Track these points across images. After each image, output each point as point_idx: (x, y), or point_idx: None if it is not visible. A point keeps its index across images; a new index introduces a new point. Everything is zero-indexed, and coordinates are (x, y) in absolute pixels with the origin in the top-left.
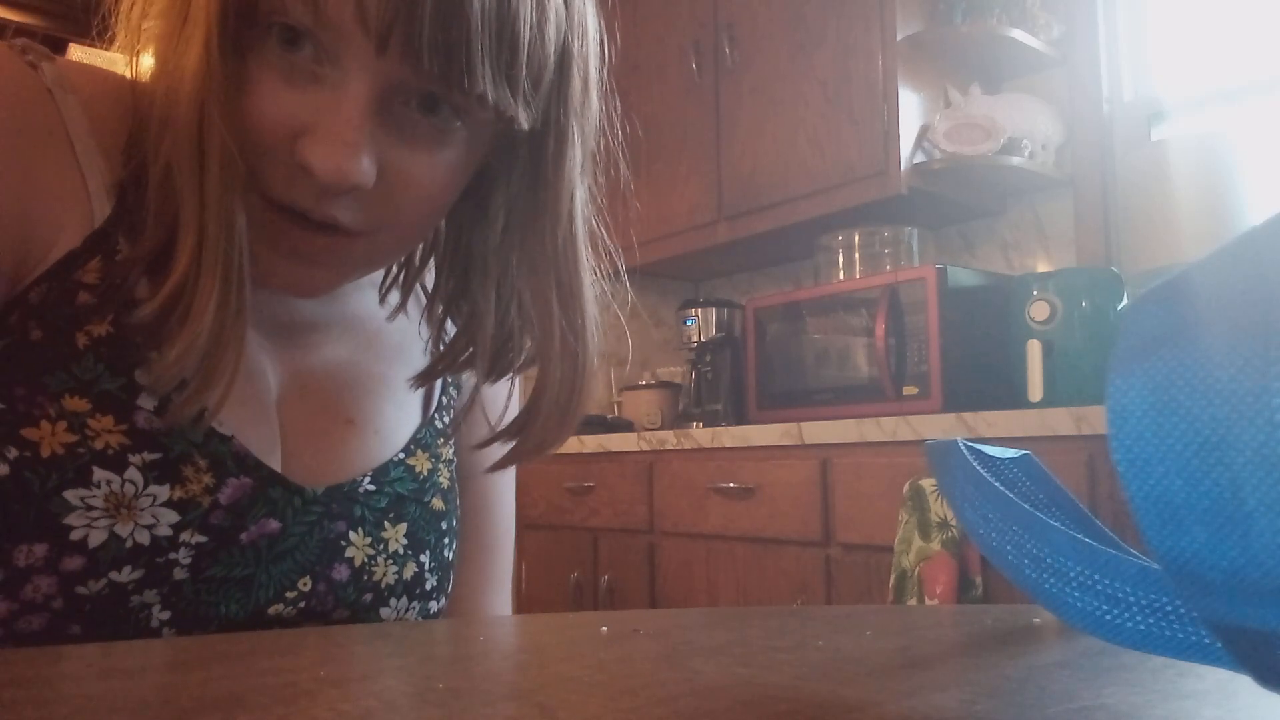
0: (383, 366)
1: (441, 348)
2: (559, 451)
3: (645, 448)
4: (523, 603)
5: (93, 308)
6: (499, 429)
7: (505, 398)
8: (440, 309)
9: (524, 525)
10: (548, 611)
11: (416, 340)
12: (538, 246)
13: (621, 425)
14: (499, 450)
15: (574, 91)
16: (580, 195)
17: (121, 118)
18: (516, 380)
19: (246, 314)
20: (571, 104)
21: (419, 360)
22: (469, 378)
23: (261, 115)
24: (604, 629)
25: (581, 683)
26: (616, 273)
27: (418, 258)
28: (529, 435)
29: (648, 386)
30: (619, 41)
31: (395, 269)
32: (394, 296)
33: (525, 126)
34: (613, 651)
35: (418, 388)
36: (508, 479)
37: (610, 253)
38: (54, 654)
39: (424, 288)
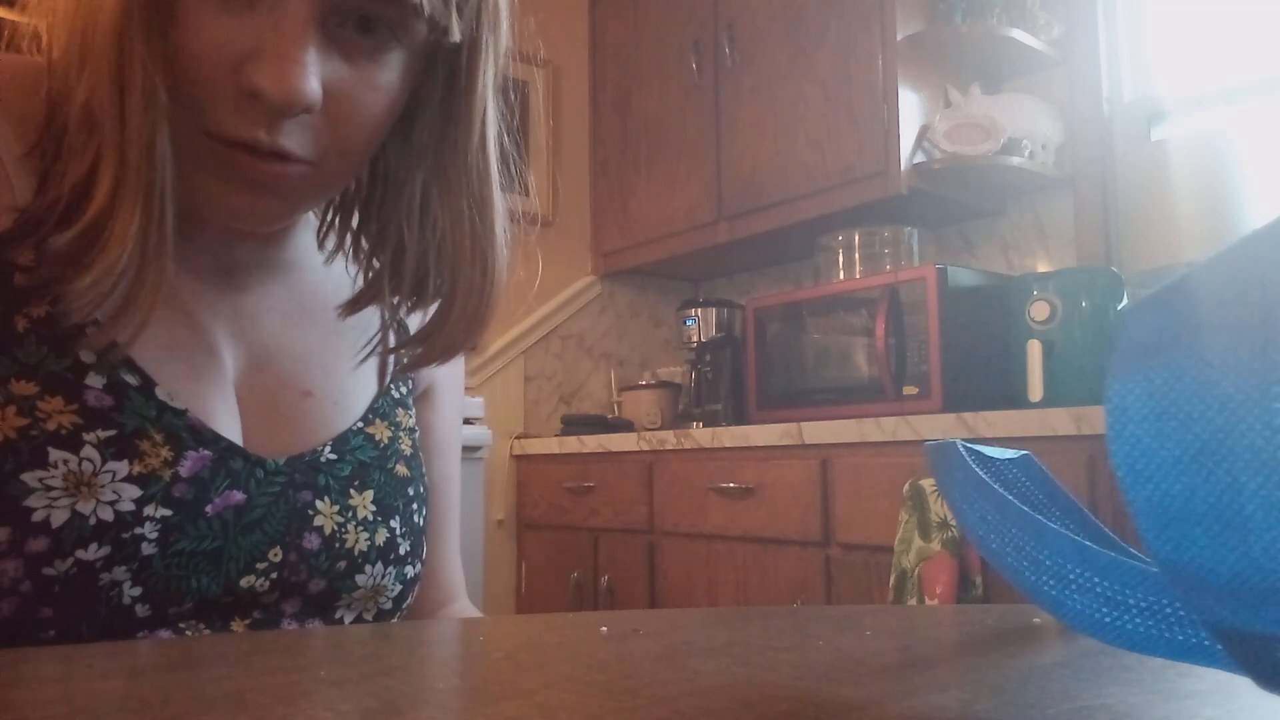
0: (335, 339)
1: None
2: (559, 451)
3: (645, 448)
4: (523, 603)
5: (31, 288)
6: (406, 337)
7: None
8: (366, 244)
9: (524, 525)
10: (548, 611)
11: (368, 311)
12: (451, 156)
13: (621, 425)
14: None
15: (489, 4)
16: (492, 110)
17: (38, 94)
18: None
19: (169, 245)
20: (485, 17)
21: (369, 331)
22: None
23: (201, 46)
24: (604, 629)
25: (581, 683)
26: (526, 189)
27: (355, 205)
28: (437, 339)
29: (648, 386)
30: (619, 41)
31: (330, 212)
32: (330, 244)
33: (457, 39)
34: (613, 651)
35: (345, 317)
36: (454, 463)
37: (519, 172)
38: (55, 654)
39: (351, 227)
